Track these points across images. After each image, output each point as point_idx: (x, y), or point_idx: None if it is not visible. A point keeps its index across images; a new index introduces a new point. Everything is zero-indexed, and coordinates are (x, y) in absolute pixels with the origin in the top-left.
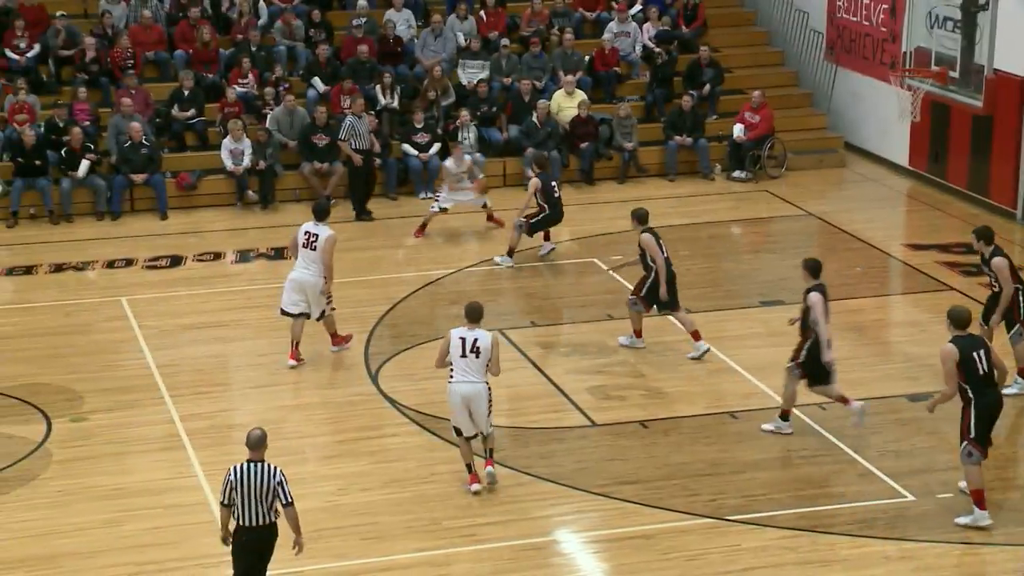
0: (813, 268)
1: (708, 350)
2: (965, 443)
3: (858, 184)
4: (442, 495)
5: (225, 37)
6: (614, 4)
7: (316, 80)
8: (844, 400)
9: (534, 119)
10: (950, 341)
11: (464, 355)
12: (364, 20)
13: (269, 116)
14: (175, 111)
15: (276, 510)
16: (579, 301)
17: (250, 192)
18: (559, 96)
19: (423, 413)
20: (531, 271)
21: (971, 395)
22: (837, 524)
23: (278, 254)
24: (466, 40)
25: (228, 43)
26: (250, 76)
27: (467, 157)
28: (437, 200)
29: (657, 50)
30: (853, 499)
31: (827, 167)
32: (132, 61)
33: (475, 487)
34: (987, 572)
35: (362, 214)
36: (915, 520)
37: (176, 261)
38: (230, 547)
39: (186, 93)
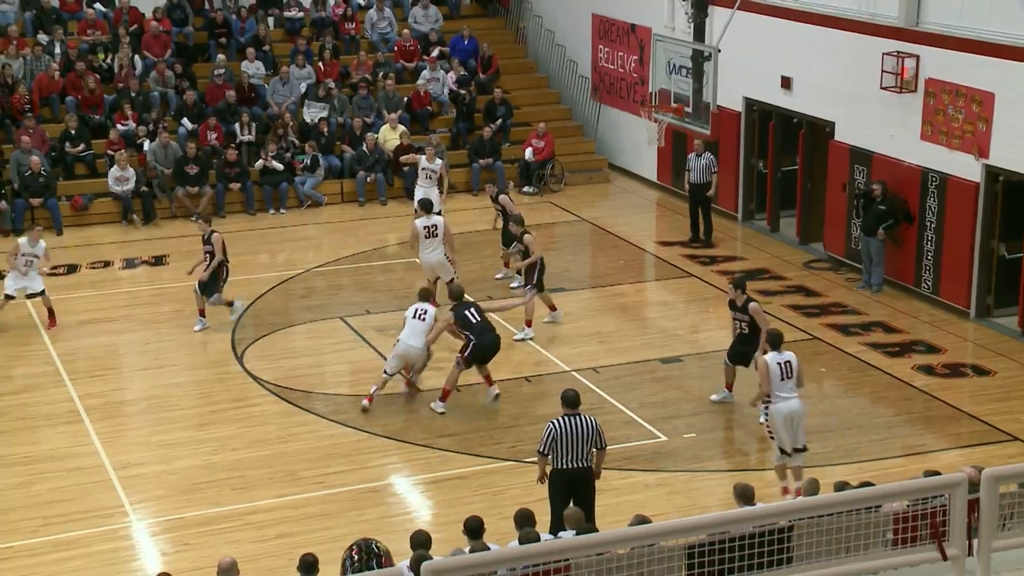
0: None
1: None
2: None
3: (619, 195)
4: (297, 452)
5: (109, 85)
6: (425, 57)
7: (185, 120)
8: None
9: (364, 148)
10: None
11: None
12: (224, 71)
13: (147, 149)
14: (68, 147)
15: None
16: (404, 293)
17: (134, 216)
18: (385, 129)
19: (280, 386)
20: (367, 270)
21: None
22: (609, 461)
23: (158, 261)
24: (307, 86)
25: (111, 90)
26: (130, 117)
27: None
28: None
29: (462, 92)
30: (621, 441)
31: (595, 183)
32: (29, 105)
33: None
34: (714, 490)
35: None
36: (667, 455)
37: (72, 269)
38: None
39: (73, 132)
